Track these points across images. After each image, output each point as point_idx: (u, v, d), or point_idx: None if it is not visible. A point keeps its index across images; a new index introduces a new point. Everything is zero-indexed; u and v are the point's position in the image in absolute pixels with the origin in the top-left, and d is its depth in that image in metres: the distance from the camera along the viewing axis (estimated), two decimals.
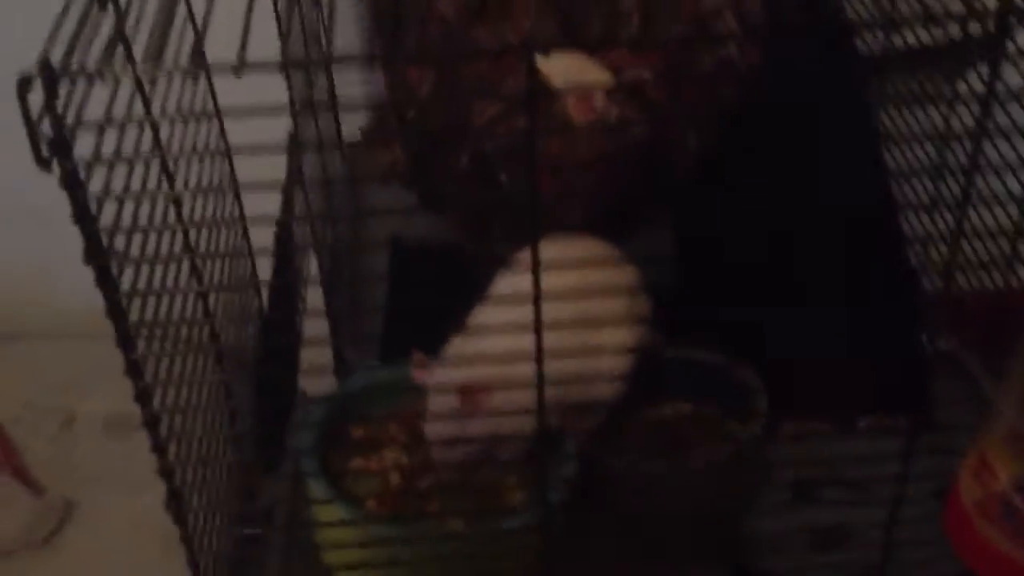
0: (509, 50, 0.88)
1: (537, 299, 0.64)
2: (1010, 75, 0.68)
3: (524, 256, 0.65)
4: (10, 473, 1.47)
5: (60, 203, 0.58)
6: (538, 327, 0.65)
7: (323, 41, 1.08)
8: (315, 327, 1.11)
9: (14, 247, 1.70)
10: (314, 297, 1.11)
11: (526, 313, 0.65)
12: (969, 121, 0.64)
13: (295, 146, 0.97)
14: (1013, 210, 0.81)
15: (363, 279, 1.13)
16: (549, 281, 0.64)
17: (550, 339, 0.67)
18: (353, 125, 1.23)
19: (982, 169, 0.66)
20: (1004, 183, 0.72)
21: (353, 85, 1.24)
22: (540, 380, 0.68)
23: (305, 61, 1.00)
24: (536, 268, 0.63)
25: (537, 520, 0.78)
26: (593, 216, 0.92)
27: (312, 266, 1.09)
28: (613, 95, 0.92)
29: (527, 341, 0.67)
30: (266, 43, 0.61)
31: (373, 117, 1.14)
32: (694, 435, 0.88)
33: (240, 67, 0.52)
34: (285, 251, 1.00)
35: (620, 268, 0.84)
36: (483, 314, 0.82)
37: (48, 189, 0.62)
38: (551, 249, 0.65)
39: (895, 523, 0.72)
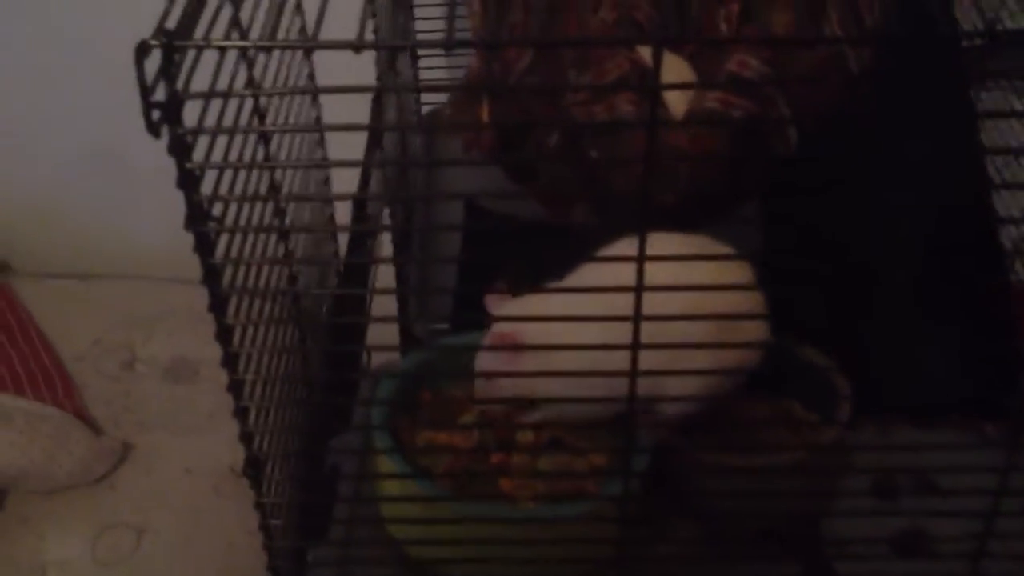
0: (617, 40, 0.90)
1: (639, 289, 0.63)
2: None
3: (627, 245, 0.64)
4: (71, 412, 1.49)
5: (141, 147, 0.58)
6: (637, 312, 0.64)
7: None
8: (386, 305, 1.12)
9: (94, 188, 1.71)
10: (386, 277, 1.12)
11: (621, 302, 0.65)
12: None
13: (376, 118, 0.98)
14: None
15: (438, 244, 1.14)
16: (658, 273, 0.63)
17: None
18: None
19: None
20: None
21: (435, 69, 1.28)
22: (634, 368, 0.67)
23: (403, 44, 1.06)
24: (642, 258, 0.62)
25: (609, 507, 0.77)
26: (685, 200, 0.91)
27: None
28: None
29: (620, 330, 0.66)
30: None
31: (459, 92, 1.13)
32: (777, 432, 0.86)
33: (359, 45, 0.51)
34: (362, 233, 1.01)
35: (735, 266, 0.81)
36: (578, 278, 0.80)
37: (129, 134, 0.62)
38: (663, 242, 0.63)
39: (989, 536, 0.71)
